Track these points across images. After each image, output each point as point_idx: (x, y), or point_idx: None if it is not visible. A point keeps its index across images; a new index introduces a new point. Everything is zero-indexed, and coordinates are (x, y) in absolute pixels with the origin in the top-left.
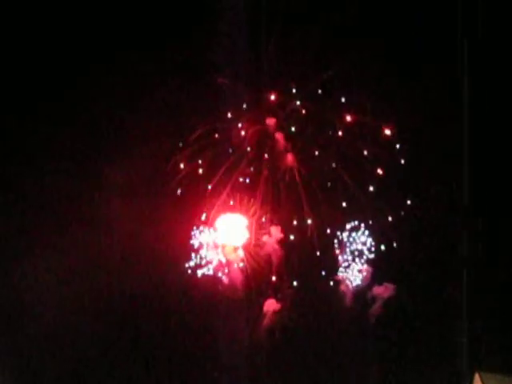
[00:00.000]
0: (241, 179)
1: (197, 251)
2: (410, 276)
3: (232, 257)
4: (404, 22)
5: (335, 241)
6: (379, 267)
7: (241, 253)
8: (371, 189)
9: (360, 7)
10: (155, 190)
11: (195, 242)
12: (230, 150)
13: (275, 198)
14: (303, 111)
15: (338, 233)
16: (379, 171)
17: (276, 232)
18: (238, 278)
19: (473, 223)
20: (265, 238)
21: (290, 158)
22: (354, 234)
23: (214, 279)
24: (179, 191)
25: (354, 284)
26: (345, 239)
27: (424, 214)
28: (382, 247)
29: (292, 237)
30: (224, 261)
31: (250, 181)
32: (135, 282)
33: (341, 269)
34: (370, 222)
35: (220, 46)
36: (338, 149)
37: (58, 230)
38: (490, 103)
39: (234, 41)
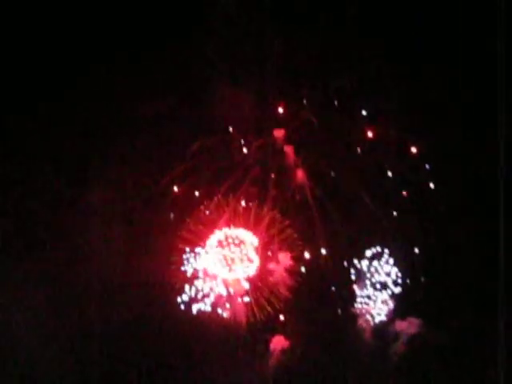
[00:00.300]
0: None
1: (191, 281)
2: (440, 311)
3: (235, 289)
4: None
5: (352, 270)
6: (403, 300)
7: (245, 284)
8: (394, 213)
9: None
10: (144, 213)
11: (189, 269)
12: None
13: (284, 220)
14: (316, 121)
15: (356, 261)
16: (404, 192)
17: (285, 259)
18: (242, 315)
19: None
20: (272, 266)
21: (300, 174)
22: (375, 263)
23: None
24: (172, 215)
25: (376, 319)
26: (364, 268)
27: (455, 242)
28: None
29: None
30: (224, 293)
31: (254, 202)
32: (118, 320)
33: (360, 301)
34: (394, 249)
35: (222, 51)
36: (357, 165)
37: (39, 258)
38: None
39: (238, 46)
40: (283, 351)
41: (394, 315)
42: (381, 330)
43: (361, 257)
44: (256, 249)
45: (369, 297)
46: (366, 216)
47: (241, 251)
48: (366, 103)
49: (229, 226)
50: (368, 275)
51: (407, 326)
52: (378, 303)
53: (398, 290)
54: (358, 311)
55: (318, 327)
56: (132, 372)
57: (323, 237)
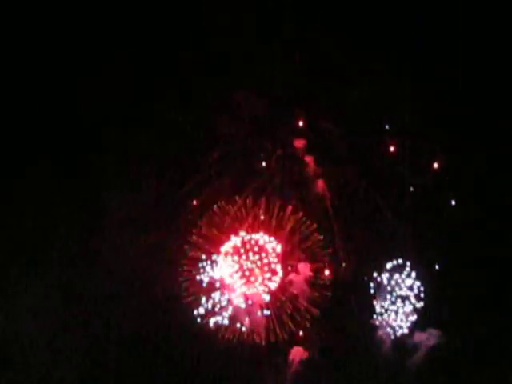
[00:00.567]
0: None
1: (208, 293)
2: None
3: (254, 301)
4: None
5: (372, 283)
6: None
7: (265, 296)
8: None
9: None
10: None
11: (205, 279)
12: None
13: (304, 230)
14: (337, 131)
15: (376, 274)
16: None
17: (305, 269)
18: (261, 329)
19: None
20: (291, 276)
21: (320, 184)
22: (396, 276)
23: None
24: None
25: (398, 332)
26: (384, 281)
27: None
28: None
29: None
30: (243, 306)
31: (275, 211)
32: (129, 334)
33: (379, 313)
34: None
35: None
36: (378, 175)
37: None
38: None
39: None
40: (302, 362)
41: (414, 327)
42: (400, 341)
43: (381, 269)
44: (278, 257)
45: (387, 310)
46: (387, 228)
47: (261, 260)
48: (388, 115)
49: (247, 230)
50: (389, 288)
51: (427, 338)
52: (400, 316)
53: (419, 304)
54: (377, 323)
55: (336, 338)
56: None
57: (343, 248)
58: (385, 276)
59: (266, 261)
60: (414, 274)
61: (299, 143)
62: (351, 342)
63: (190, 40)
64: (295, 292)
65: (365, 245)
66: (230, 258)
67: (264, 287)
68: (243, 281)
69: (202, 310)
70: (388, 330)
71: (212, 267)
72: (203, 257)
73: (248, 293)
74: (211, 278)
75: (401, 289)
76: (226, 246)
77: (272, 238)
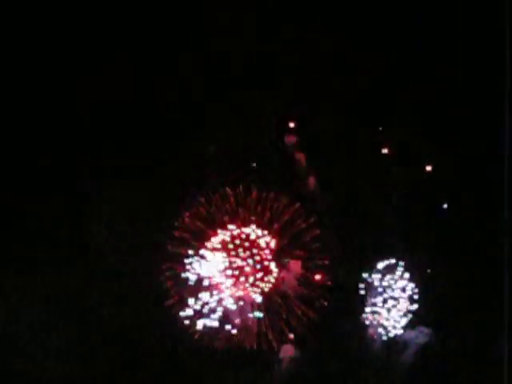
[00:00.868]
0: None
1: (195, 293)
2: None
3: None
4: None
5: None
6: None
7: (258, 298)
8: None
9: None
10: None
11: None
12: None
13: (294, 226)
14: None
15: (367, 274)
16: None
17: (295, 266)
18: (253, 332)
19: None
20: (282, 274)
21: (311, 182)
22: (388, 277)
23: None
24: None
25: (390, 333)
26: (376, 282)
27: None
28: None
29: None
30: (233, 307)
31: (263, 207)
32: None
33: (370, 313)
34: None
35: None
36: (370, 174)
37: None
38: None
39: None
40: (292, 360)
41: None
42: (390, 339)
43: (372, 270)
44: (272, 253)
45: (376, 311)
46: (379, 227)
47: (252, 257)
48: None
49: (237, 223)
50: (380, 289)
51: (416, 336)
52: (392, 316)
53: (413, 306)
54: (367, 323)
55: (326, 337)
56: None
57: (333, 247)
58: (376, 276)
59: (258, 258)
60: (407, 275)
61: (290, 140)
62: (341, 340)
63: None
64: (285, 289)
65: (357, 244)
66: (217, 254)
67: (256, 288)
68: (232, 280)
69: (189, 312)
70: (379, 329)
71: (200, 264)
72: (189, 252)
73: (238, 294)
74: (198, 276)
75: (393, 290)
76: (213, 242)
77: (265, 232)
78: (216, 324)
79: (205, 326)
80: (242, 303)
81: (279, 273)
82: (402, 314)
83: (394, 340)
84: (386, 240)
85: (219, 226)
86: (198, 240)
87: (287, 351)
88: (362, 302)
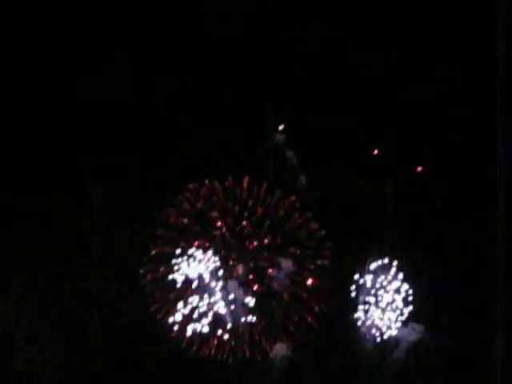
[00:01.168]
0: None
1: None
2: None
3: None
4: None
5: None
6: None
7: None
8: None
9: None
10: None
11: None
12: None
13: (285, 224)
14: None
15: (358, 275)
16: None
17: (287, 265)
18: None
19: None
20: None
21: (302, 180)
22: (381, 278)
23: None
24: None
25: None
26: (368, 283)
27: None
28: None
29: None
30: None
31: (254, 203)
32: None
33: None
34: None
35: None
36: (362, 172)
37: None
38: None
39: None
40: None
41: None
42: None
43: (364, 270)
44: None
45: (368, 311)
46: (370, 226)
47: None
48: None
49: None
50: (372, 291)
51: (409, 333)
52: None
53: (408, 308)
54: (359, 322)
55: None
56: None
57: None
58: (369, 277)
59: (249, 255)
60: (401, 276)
61: (280, 137)
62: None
63: None
64: (277, 288)
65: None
66: (206, 253)
67: (248, 289)
68: (223, 281)
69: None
70: (373, 329)
71: (188, 264)
72: (177, 252)
73: (230, 296)
74: (186, 277)
75: (387, 292)
76: (201, 240)
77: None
78: (207, 330)
79: (194, 332)
80: (232, 307)
81: (271, 272)
82: (396, 314)
83: (388, 340)
84: (379, 240)
85: (207, 223)
86: (185, 238)
87: (279, 351)
88: (356, 302)
